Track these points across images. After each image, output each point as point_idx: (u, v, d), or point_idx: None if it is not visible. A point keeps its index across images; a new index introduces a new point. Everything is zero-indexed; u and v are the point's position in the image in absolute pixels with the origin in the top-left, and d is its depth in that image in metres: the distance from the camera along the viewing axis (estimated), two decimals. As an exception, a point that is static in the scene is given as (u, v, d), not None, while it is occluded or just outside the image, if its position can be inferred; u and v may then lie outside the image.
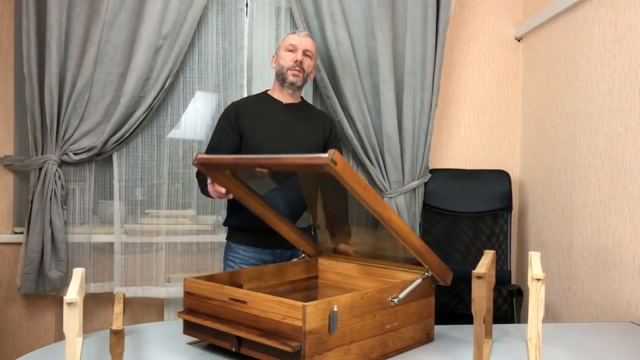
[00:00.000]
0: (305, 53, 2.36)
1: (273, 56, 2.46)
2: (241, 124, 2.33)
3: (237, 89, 3.00)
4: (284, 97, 2.40)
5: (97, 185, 2.93)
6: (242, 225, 2.39)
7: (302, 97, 2.47)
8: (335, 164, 1.39)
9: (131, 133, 2.83)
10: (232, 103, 2.44)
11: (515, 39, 3.30)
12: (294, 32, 2.41)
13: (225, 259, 2.45)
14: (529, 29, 3.13)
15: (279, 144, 2.30)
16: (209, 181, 2.02)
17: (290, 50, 2.36)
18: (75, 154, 2.78)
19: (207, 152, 2.35)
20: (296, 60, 2.33)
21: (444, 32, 3.00)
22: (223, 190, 1.91)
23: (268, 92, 2.44)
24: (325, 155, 1.37)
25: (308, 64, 2.38)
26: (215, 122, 2.41)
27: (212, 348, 1.65)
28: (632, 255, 2.24)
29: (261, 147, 2.30)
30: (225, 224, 2.48)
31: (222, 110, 2.44)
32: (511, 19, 3.30)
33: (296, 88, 2.38)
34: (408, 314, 1.67)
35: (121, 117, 2.78)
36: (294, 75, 2.34)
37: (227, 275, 1.78)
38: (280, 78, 2.37)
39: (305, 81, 2.40)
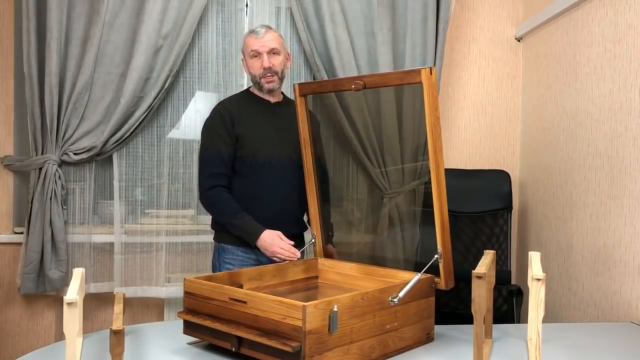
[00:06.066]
0: (271, 52, 2.24)
1: (242, 59, 2.35)
2: (238, 129, 2.24)
3: (237, 89, 2.99)
4: (268, 97, 2.33)
5: (97, 185, 2.93)
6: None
7: (282, 94, 2.38)
8: (431, 73, 1.63)
9: (131, 133, 2.83)
10: (223, 105, 2.32)
11: (515, 39, 3.30)
12: (252, 33, 2.27)
13: (222, 262, 2.32)
14: (529, 29, 3.13)
15: (277, 145, 2.27)
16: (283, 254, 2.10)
17: (255, 56, 2.25)
18: (75, 154, 2.78)
19: (207, 161, 2.25)
20: (264, 68, 2.23)
21: (444, 32, 3.00)
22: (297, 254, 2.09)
23: (251, 90, 2.35)
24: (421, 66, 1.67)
25: (278, 62, 2.25)
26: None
27: (212, 348, 1.65)
28: (632, 255, 2.24)
29: (259, 149, 2.24)
30: (214, 227, 2.37)
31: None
32: (511, 19, 3.29)
33: (276, 89, 2.30)
34: (408, 314, 1.67)
35: (121, 117, 2.78)
36: (268, 82, 2.25)
37: (227, 275, 1.78)
38: (257, 85, 2.29)
39: (282, 78, 2.30)
